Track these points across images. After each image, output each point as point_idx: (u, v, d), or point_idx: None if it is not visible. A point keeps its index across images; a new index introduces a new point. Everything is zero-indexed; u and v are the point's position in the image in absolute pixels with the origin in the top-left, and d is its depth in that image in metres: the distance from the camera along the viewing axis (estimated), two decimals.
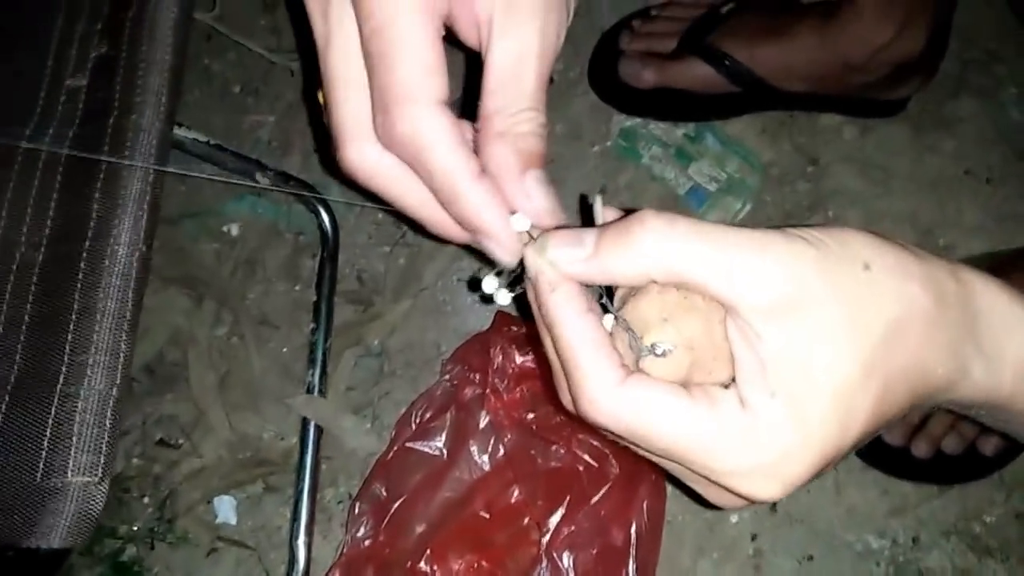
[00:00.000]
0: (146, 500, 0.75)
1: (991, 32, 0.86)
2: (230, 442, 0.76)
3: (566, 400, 0.31)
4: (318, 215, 0.78)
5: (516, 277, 0.32)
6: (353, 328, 0.79)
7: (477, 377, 0.71)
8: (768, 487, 0.28)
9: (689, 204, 0.82)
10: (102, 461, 0.35)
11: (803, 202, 0.82)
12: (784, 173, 0.83)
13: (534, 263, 0.30)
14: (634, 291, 0.30)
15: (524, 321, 0.73)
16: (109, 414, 0.36)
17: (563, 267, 0.29)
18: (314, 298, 0.78)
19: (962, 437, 0.72)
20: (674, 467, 0.29)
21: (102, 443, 0.35)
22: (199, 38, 0.85)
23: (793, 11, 0.75)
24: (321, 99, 0.32)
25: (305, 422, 0.74)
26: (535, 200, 0.30)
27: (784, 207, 0.82)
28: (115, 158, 0.38)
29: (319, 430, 0.74)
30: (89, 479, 0.35)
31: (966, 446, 0.72)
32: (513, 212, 0.30)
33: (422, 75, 0.29)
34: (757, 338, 0.27)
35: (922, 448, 0.72)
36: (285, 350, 0.79)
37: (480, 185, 0.30)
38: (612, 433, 0.29)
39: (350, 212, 0.82)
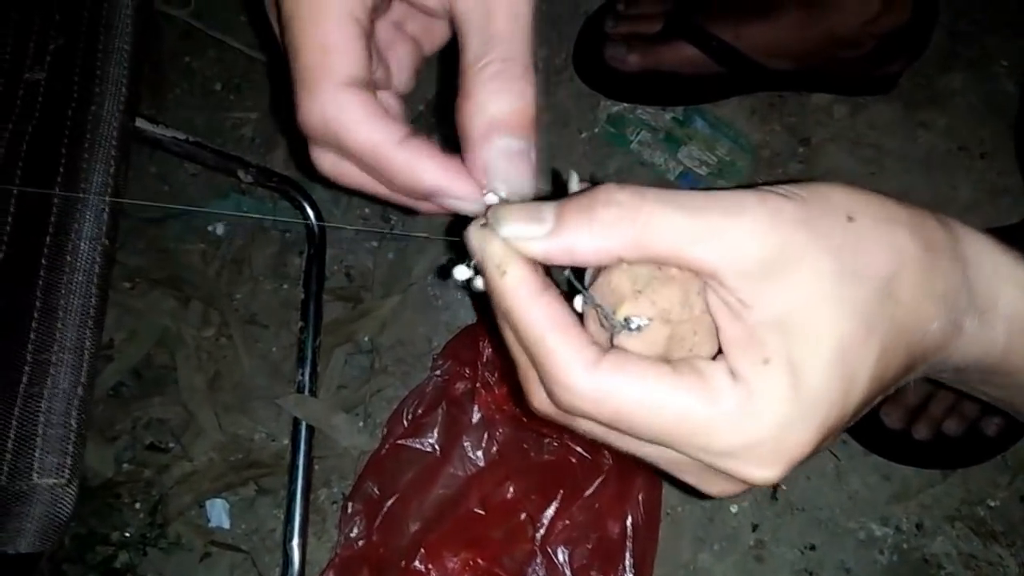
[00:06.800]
0: (137, 505, 0.74)
1: (980, 2, 0.84)
2: (221, 444, 0.75)
3: (539, 399, 0.28)
4: (303, 211, 0.77)
5: None
6: (342, 325, 0.77)
7: (467, 371, 0.70)
8: (768, 466, 0.25)
9: (680, 189, 0.80)
10: (69, 462, 0.34)
11: None
12: (775, 154, 0.81)
13: (478, 245, 0.27)
14: (603, 268, 0.28)
15: None
16: (75, 414, 0.35)
17: (520, 246, 0.26)
18: (302, 296, 0.77)
19: (963, 418, 0.70)
20: (663, 456, 0.27)
21: (68, 444, 0.34)
22: (176, 35, 0.84)
23: None
24: None
25: (296, 422, 0.73)
26: (490, 175, 0.28)
27: None
28: (70, 193, 0.37)
29: (311, 430, 0.73)
30: (56, 481, 0.34)
31: (967, 427, 0.71)
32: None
33: (321, 56, 0.27)
34: (742, 305, 0.25)
35: (923, 431, 0.71)
36: (274, 349, 0.77)
37: (404, 150, 0.27)
38: (595, 420, 0.27)
39: (336, 207, 0.81)
